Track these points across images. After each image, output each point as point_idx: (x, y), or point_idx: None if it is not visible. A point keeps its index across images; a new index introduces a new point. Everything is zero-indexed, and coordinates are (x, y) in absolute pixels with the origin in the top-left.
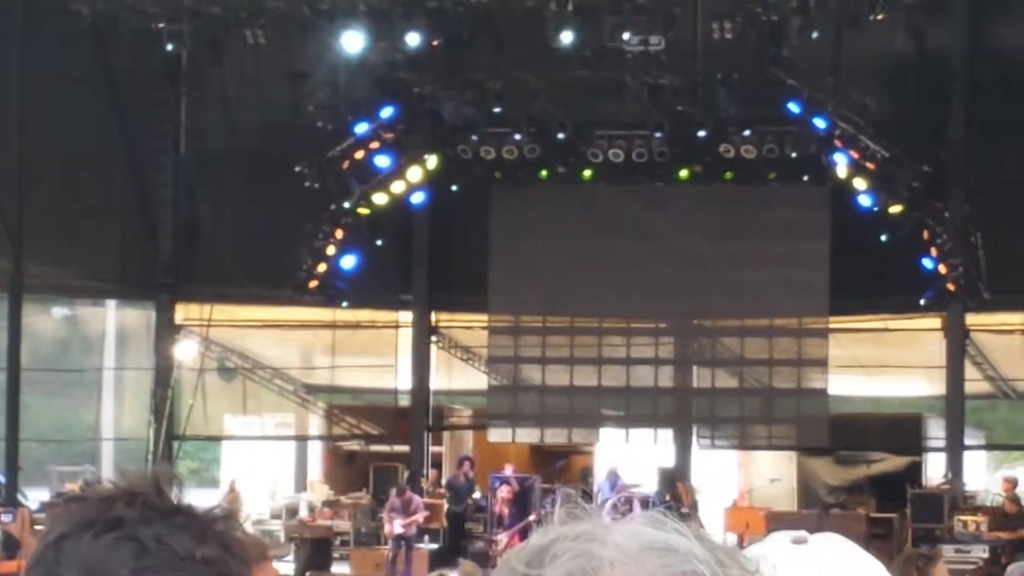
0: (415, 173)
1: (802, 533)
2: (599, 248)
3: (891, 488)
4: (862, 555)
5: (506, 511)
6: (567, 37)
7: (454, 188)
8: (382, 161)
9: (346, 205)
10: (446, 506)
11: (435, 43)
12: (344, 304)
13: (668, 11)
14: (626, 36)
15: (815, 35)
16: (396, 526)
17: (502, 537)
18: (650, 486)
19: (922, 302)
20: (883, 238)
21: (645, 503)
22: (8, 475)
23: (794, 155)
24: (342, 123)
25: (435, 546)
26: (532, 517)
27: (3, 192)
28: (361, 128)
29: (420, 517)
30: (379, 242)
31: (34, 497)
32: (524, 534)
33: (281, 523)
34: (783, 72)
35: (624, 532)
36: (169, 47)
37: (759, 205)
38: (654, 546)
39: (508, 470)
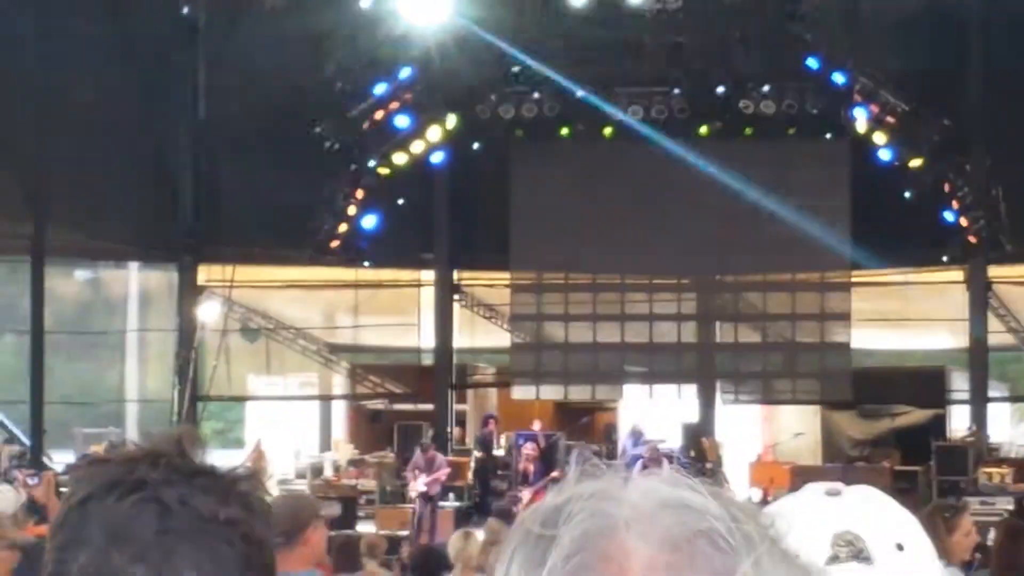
0: (434, 133)
1: (837, 485)
2: (620, 205)
3: (915, 441)
4: (896, 507)
5: (531, 468)
6: None
7: (476, 146)
8: (401, 121)
9: (368, 165)
10: (472, 463)
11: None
12: (366, 263)
13: None
14: None
15: None
16: (420, 484)
17: (526, 494)
18: (674, 442)
19: (944, 258)
20: (906, 195)
21: (669, 459)
22: (33, 438)
23: (814, 111)
24: (361, 84)
25: (460, 504)
26: (555, 474)
27: (23, 157)
28: (380, 89)
29: (443, 474)
30: (400, 201)
31: (59, 459)
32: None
33: (306, 482)
34: (801, 28)
35: (639, 490)
36: (186, 10)
37: (779, 161)
38: (669, 503)
39: (536, 426)
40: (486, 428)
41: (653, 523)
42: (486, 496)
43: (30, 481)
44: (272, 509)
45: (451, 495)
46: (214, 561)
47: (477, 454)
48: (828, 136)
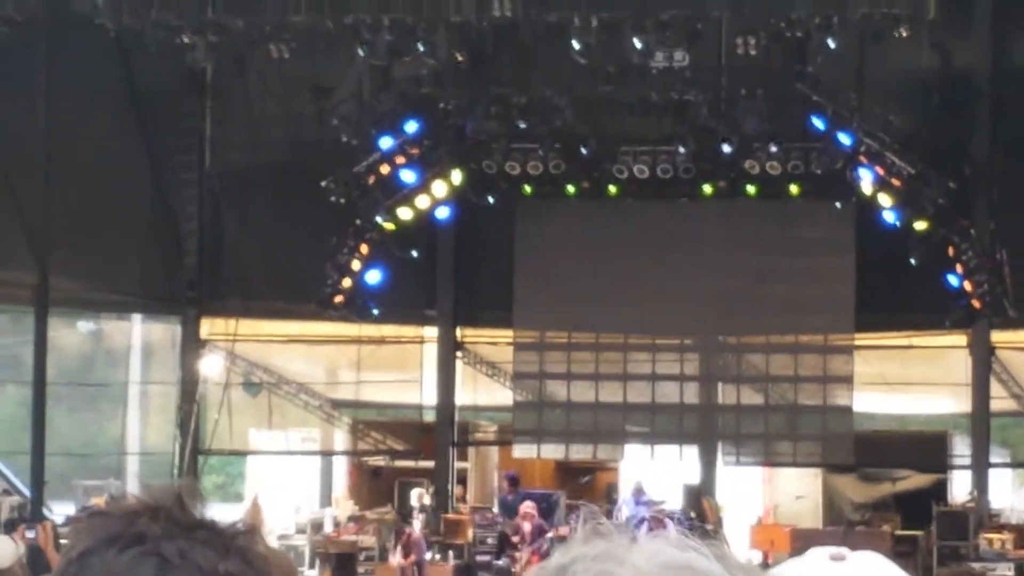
0: (440, 188)
1: (841, 550)
2: (624, 264)
3: (916, 505)
4: (899, 573)
5: (527, 527)
6: (590, 53)
7: (490, 200)
8: (407, 176)
9: (373, 220)
10: (497, 529)
11: (459, 58)
12: (375, 312)
13: (692, 27)
14: (647, 51)
15: (832, 45)
16: (396, 558)
17: (524, 554)
18: (675, 503)
19: (948, 323)
20: (912, 261)
21: (670, 519)
22: (34, 489)
23: (819, 171)
24: (367, 138)
25: (459, 562)
26: (551, 534)
27: (29, 206)
28: (386, 143)
29: (414, 559)
30: (414, 253)
31: (60, 511)
32: (547, 551)
33: (306, 538)
34: (808, 88)
35: (644, 552)
36: (193, 60)
37: (784, 221)
38: (673, 566)
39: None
40: (509, 488)
41: None
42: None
43: (28, 534)
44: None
45: (451, 553)
46: None
47: (498, 514)
48: (833, 197)
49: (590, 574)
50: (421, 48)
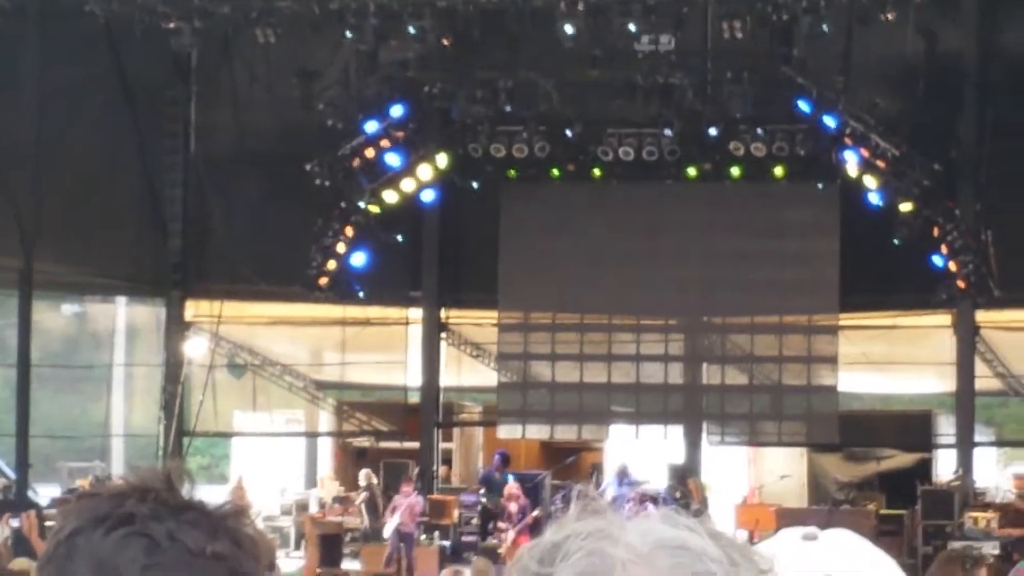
0: (425, 171)
1: (812, 529)
2: (609, 246)
3: (901, 484)
4: (873, 551)
5: (513, 507)
6: (576, 35)
7: (474, 185)
8: (392, 159)
9: (357, 203)
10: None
11: (445, 42)
12: (360, 294)
13: (678, 10)
14: (635, 34)
15: (824, 28)
16: (393, 520)
17: (510, 534)
18: (660, 483)
19: (932, 303)
20: (895, 242)
21: (655, 500)
22: (18, 471)
23: (804, 153)
24: (352, 121)
25: (445, 543)
26: (537, 512)
27: (15, 189)
28: (371, 126)
29: (418, 508)
30: (399, 238)
31: (44, 493)
32: (532, 530)
33: (291, 519)
34: (793, 71)
35: (637, 530)
36: (179, 45)
37: (769, 203)
38: (667, 544)
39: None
40: (494, 464)
41: (650, 564)
42: (486, 535)
43: (13, 523)
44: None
45: (436, 533)
46: None
47: (481, 490)
48: (818, 179)
49: (583, 552)
50: (410, 31)
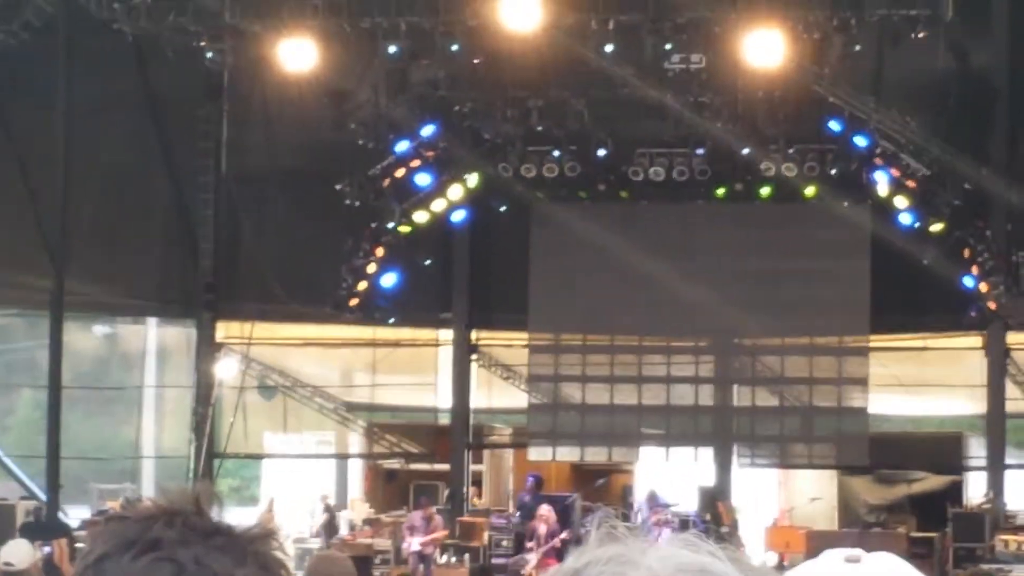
0: (455, 191)
1: (857, 551)
2: (639, 266)
3: (932, 507)
4: (915, 574)
5: (543, 529)
6: (608, 55)
7: (503, 208)
8: (423, 179)
9: (388, 224)
10: (492, 523)
11: (476, 61)
12: (391, 320)
13: (709, 30)
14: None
15: (856, 47)
16: (414, 543)
17: (532, 556)
18: (690, 505)
19: (963, 325)
20: (925, 262)
21: (685, 523)
22: (49, 493)
23: (834, 173)
24: (383, 141)
25: (474, 565)
26: (565, 535)
27: (45, 210)
28: (402, 146)
29: (440, 535)
30: (428, 261)
31: (75, 515)
32: (559, 554)
33: (320, 541)
34: (824, 90)
35: (658, 555)
36: (210, 64)
37: (799, 223)
38: (687, 569)
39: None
40: (528, 487)
41: None
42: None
43: (44, 549)
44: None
45: (466, 556)
46: None
47: (516, 514)
48: (848, 199)
49: None
50: (441, 50)
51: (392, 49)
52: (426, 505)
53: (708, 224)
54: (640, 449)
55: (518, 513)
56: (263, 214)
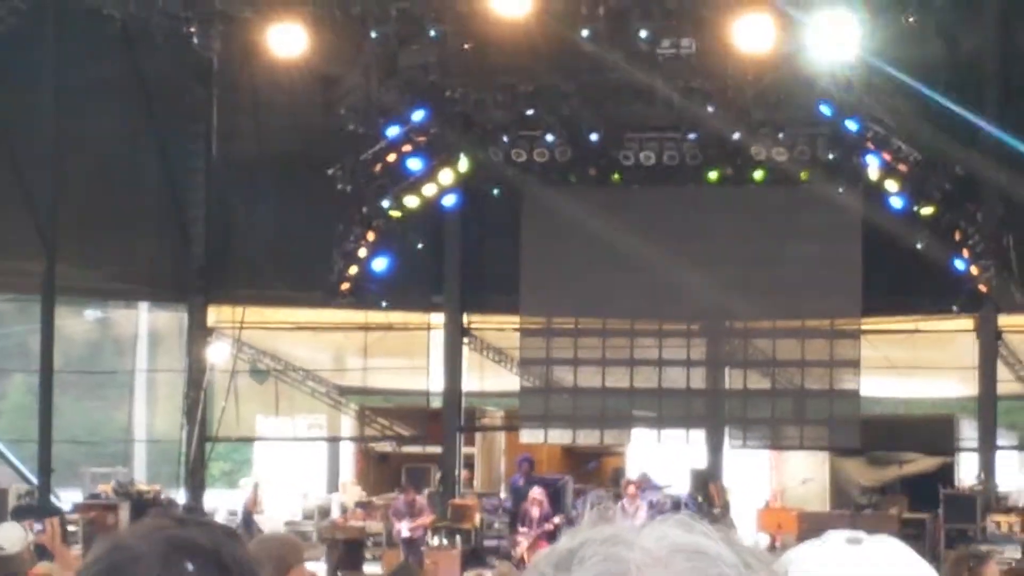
0: (446, 176)
1: (858, 533)
2: (631, 250)
3: (923, 489)
4: (915, 557)
5: (535, 512)
6: (598, 40)
7: (494, 193)
8: (414, 164)
9: (379, 207)
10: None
11: (466, 46)
12: (383, 304)
13: (699, 14)
14: (656, 38)
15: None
16: (403, 529)
17: (522, 539)
18: (682, 487)
19: (954, 307)
20: (919, 246)
21: (677, 505)
22: (41, 477)
23: (826, 157)
24: (374, 126)
25: (467, 546)
26: (557, 520)
27: (36, 194)
28: (393, 131)
29: (427, 519)
30: (420, 245)
31: (67, 499)
32: (550, 537)
33: (313, 524)
34: (815, 75)
35: (652, 535)
36: (199, 49)
37: (791, 207)
38: (683, 549)
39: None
40: (520, 470)
41: (665, 568)
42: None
43: (36, 527)
44: (257, 551)
45: (458, 538)
46: None
47: (507, 497)
48: (839, 183)
49: (599, 557)
50: (431, 35)
51: (381, 34)
52: (407, 490)
53: (700, 208)
54: (632, 432)
55: (509, 500)
56: (254, 199)
